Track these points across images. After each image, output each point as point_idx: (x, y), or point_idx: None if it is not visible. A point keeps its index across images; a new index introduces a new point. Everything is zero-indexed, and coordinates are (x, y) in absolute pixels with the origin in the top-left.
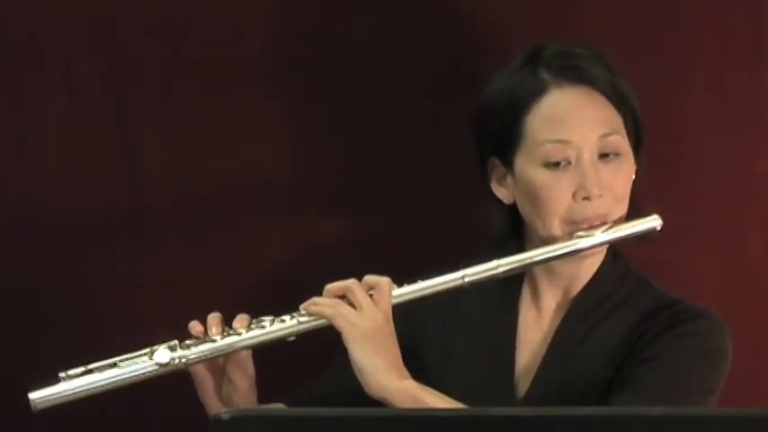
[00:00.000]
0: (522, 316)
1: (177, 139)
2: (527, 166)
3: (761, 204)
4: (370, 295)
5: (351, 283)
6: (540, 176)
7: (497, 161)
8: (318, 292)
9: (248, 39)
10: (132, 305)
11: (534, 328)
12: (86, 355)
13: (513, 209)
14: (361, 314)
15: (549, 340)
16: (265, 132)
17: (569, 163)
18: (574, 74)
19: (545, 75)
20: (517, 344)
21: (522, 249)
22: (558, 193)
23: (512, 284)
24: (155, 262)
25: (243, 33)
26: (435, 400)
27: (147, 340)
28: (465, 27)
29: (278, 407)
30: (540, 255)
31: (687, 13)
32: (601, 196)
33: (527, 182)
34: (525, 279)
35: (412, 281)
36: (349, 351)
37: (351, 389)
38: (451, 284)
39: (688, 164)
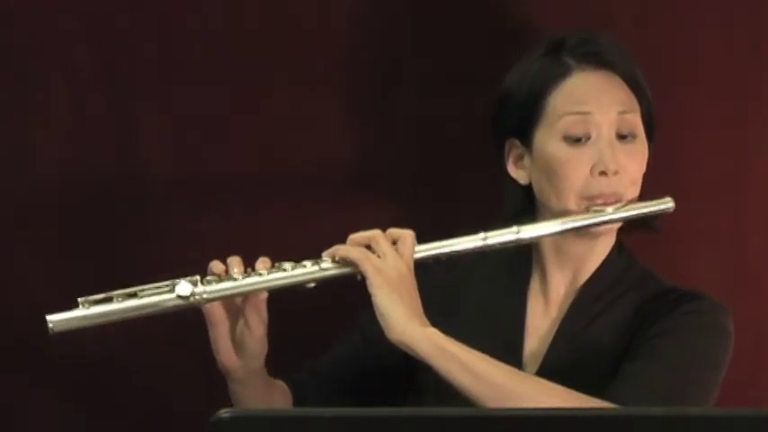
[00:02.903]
0: (531, 304)
1: (177, 138)
2: (547, 141)
3: (761, 204)
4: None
5: (375, 233)
6: (559, 151)
7: (516, 141)
8: (321, 291)
9: (248, 38)
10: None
11: (542, 316)
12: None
13: (527, 191)
14: (386, 262)
15: (556, 328)
16: (265, 132)
17: (588, 138)
18: (596, 59)
19: (569, 60)
20: (525, 331)
21: None
22: (575, 167)
23: (520, 272)
24: (155, 261)
25: (243, 33)
26: (458, 348)
27: (148, 339)
28: (472, 26)
29: (279, 382)
30: (559, 225)
31: (687, 13)
32: (617, 173)
33: (546, 157)
34: (534, 268)
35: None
36: (373, 296)
37: (353, 365)
38: (472, 245)
39: (688, 164)
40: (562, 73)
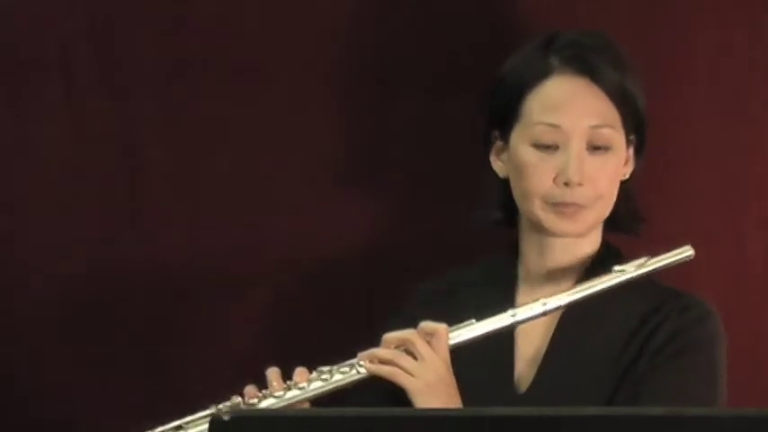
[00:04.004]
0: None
1: (177, 139)
2: (519, 143)
3: (761, 204)
4: (428, 341)
5: (409, 334)
6: (527, 155)
7: (498, 134)
8: (322, 291)
9: (248, 38)
10: (131, 303)
11: (532, 322)
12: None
13: (506, 184)
14: (424, 365)
15: (550, 334)
16: (266, 132)
17: (557, 147)
18: (579, 64)
19: (554, 61)
20: (516, 336)
21: (514, 225)
22: (540, 173)
23: (507, 277)
24: (154, 262)
25: (243, 33)
26: None
27: (148, 337)
28: (466, 26)
29: None
30: (584, 290)
31: (686, 13)
32: (581, 185)
33: (517, 159)
34: (520, 272)
35: (461, 323)
36: (414, 404)
37: None
38: (502, 323)
39: (687, 164)
40: (544, 73)
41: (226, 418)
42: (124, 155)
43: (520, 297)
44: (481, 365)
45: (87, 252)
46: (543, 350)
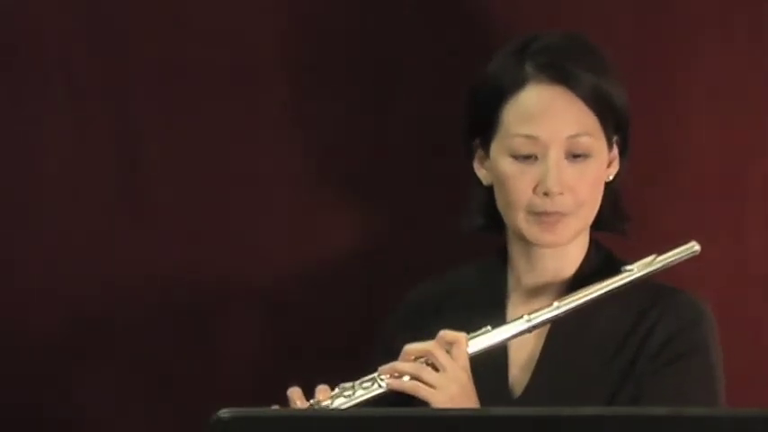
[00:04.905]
0: (510, 313)
1: (177, 139)
2: (499, 154)
3: (761, 204)
4: (447, 351)
5: (430, 345)
6: (507, 167)
7: (479, 143)
8: (322, 291)
9: (249, 39)
10: (130, 303)
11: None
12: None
13: (490, 191)
14: (446, 376)
15: (543, 338)
16: (266, 133)
17: (536, 158)
18: (554, 72)
19: (528, 68)
20: (509, 350)
21: (500, 230)
22: (520, 184)
23: (496, 283)
24: (154, 261)
25: (244, 33)
26: None
27: (148, 337)
28: (467, 26)
29: None
30: (595, 291)
31: (687, 13)
32: (561, 194)
33: (497, 170)
34: (509, 276)
35: (479, 330)
36: None
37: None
38: (518, 329)
39: (688, 164)
40: (519, 82)
41: (226, 417)
42: (124, 155)
43: (511, 308)
44: (475, 371)
45: (86, 251)
46: (537, 354)
